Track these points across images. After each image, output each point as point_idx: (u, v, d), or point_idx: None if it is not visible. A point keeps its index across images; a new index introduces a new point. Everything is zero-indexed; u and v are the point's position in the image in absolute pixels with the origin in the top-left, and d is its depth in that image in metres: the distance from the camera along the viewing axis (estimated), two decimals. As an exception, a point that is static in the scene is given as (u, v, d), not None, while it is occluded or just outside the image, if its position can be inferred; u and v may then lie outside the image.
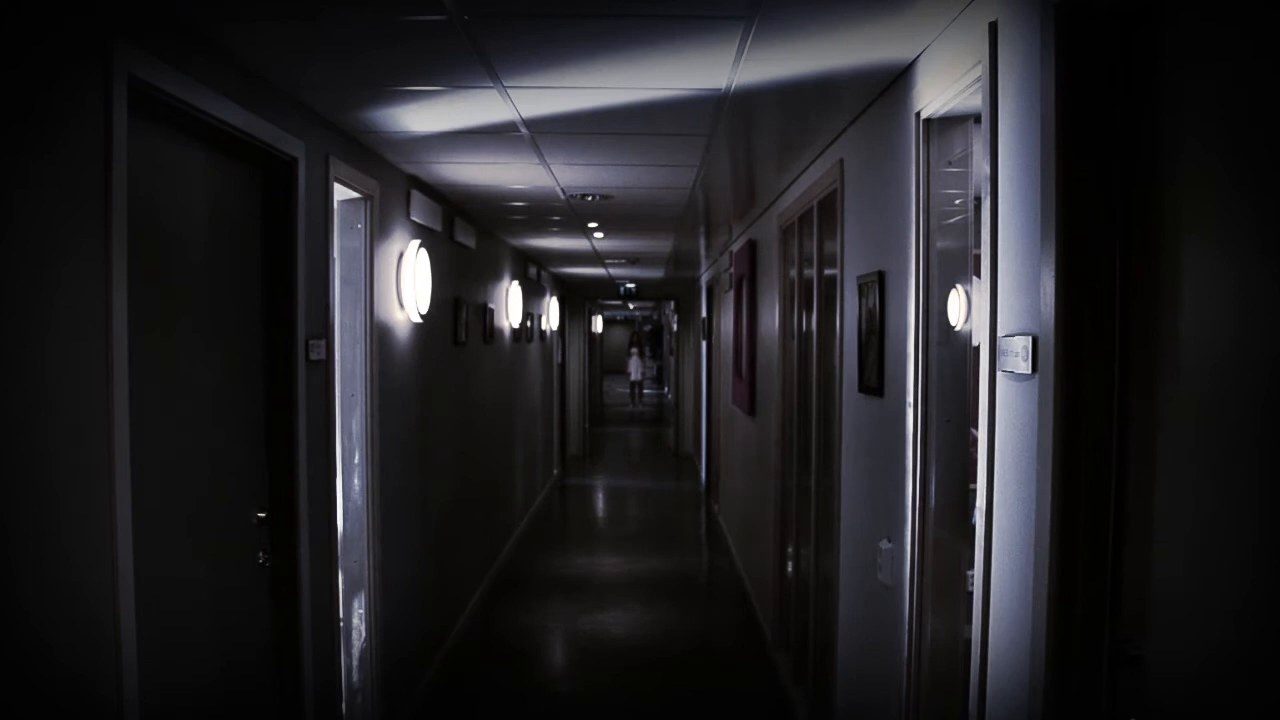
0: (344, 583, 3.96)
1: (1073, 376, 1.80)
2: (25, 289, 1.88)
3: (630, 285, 13.56)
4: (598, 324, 21.66)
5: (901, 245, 2.89)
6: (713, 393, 10.97)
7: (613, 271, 11.68)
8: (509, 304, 8.11)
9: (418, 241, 4.77)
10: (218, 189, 2.89)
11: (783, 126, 3.89)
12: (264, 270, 3.15)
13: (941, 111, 2.62)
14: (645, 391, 27.20)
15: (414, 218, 4.78)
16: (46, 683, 1.94)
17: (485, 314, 6.92)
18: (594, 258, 9.70)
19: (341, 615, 3.90)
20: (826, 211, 4.12)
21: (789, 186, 5.05)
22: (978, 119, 2.35)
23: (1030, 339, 1.93)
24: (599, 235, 7.63)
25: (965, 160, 2.68)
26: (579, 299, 15.62)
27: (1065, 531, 1.81)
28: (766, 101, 3.31)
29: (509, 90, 3.16)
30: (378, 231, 4.16)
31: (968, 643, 2.30)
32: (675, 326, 17.30)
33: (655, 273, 11.84)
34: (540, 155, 4.26)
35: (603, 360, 25.08)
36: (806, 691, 4.68)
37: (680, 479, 13.44)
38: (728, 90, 3.12)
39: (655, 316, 28.26)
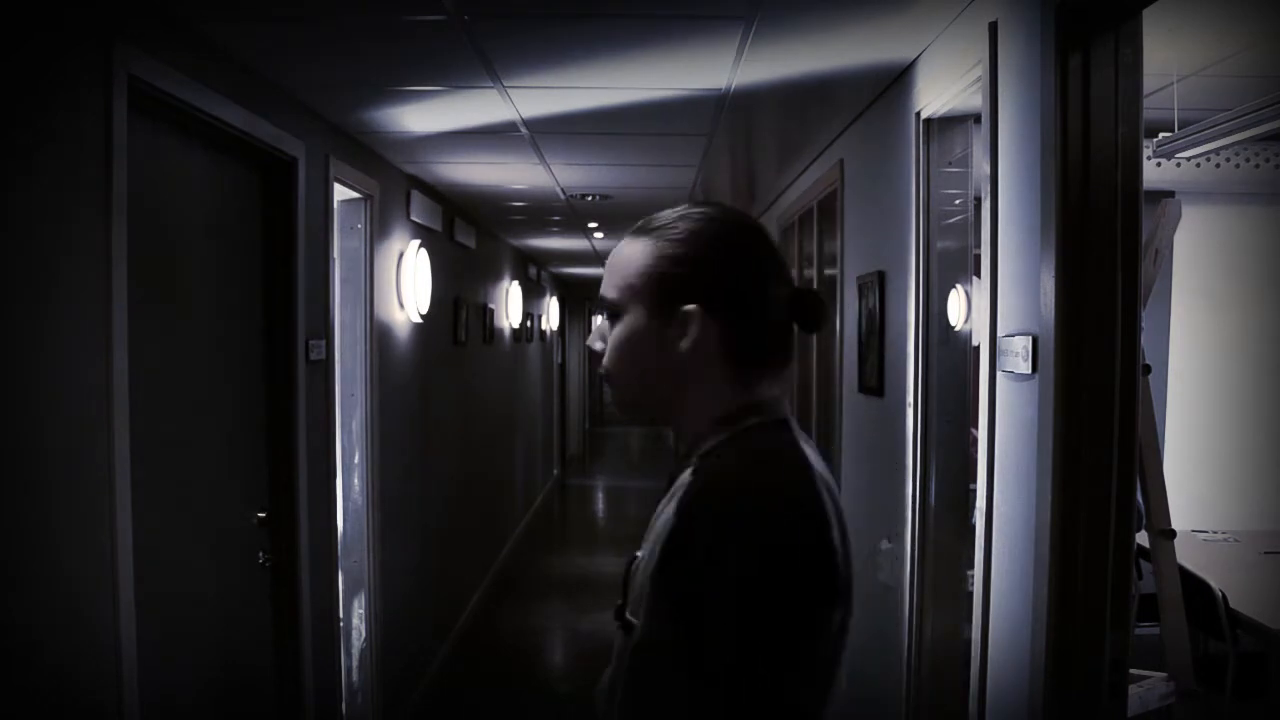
0: (344, 583, 3.96)
1: (1073, 376, 1.80)
2: (25, 289, 1.88)
3: (631, 285, 13.52)
4: (598, 324, 21.61)
5: (901, 245, 2.89)
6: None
7: (613, 272, 11.66)
8: (509, 304, 8.11)
9: (418, 241, 4.77)
10: (217, 189, 2.89)
11: (783, 126, 3.89)
12: (264, 270, 3.15)
13: (941, 111, 2.62)
14: (646, 391, 27.12)
15: (414, 218, 4.78)
16: (46, 682, 1.94)
17: (485, 314, 6.92)
18: (594, 258, 9.69)
19: (341, 615, 3.90)
20: (826, 211, 4.12)
21: (789, 187, 5.05)
22: (978, 119, 2.35)
23: (1030, 339, 1.93)
24: (599, 235, 7.62)
25: (965, 160, 2.68)
26: (579, 299, 15.62)
27: (1065, 531, 1.81)
28: (766, 101, 3.31)
29: (509, 90, 3.16)
30: (378, 231, 4.16)
31: (968, 643, 2.30)
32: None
33: (655, 273, 11.81)
34: (540, 155, 4.26)
35: (603, 360, 25.01)
36: (806, 691, 4.68)
37: (680, 479, 13.40)
38: (728, 90, 3.11)
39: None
